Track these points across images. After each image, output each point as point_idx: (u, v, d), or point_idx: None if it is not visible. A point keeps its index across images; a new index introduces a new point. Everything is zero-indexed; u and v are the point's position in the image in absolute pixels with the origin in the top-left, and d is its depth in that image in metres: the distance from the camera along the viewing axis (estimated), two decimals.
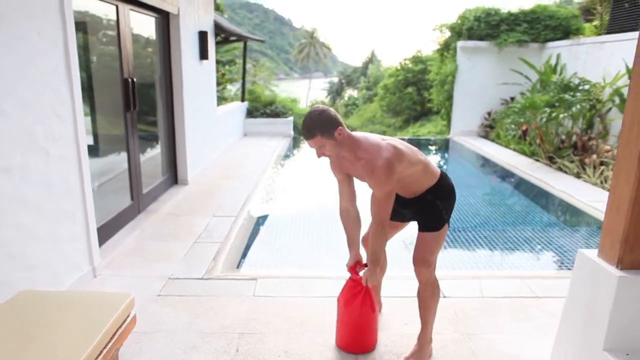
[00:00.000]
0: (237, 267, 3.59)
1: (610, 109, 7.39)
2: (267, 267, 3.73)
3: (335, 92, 33.23)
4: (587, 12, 10.39)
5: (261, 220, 4.86)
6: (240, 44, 10.80)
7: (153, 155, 5.17)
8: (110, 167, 4.14)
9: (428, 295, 2.31)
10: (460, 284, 3.14)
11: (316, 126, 1.97)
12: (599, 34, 8.94)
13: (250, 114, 10.39)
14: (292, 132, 10.36)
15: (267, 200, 5.66)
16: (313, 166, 7.95)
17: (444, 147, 10.35)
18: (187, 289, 3.01)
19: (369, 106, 24.49)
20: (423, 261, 2.25)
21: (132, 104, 4.13)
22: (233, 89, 13.14)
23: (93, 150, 3.69)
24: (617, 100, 7.16)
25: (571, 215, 5.36)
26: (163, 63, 5.21)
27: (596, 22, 9.67)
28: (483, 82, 10.25)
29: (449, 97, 10.76)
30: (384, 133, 20.03)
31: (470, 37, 10.17)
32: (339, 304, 2.40)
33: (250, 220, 4.65)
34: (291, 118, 10.45)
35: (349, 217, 2.35)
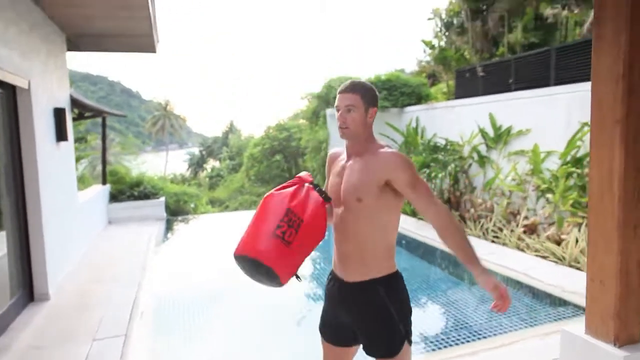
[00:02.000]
0: None
1: (470, 164, 8.20)
2: None
3: (197, 164, 32.21)
4: (433, 77, 11.80)
5: (161, 330, 3.97)
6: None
7: None
8: None
9: None
10: None
11: (362, 88, 1.77)
12: (449, 99, 10.14)
13: (115, 198, 9.17)
14: (164, 214, 9.38)
15: (159, 302, 4.72)
16: (202, 248, 7.16)
17: None
18: None
19: (235, 176, 24.08)
20: None
21: None
22: (80, 167, 11.65)
23: None
24: (475, 156, 8.01)
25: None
26: (10, 147, 4.19)
27: (444, 89, 11.01)
28: None
29: (324, 163, 10.97)
30: (254, 203, 19.72)
31: None
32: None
33: (148, 335, 3.75)
34: (162, 199, 9.50)
35: None
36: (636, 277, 1.83)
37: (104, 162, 9.45)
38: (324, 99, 11.02)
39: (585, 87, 5.95)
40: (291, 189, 1.73)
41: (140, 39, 6.67)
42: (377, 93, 1.84)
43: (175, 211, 10.21)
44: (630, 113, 1.74)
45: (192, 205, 11.02)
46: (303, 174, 1.82)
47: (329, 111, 10.65)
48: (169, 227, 8.81)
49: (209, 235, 8.49)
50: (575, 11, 6.71)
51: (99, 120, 9.26)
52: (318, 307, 4.78)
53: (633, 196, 1.78)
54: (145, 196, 9.38)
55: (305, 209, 1.69)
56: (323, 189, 1.78)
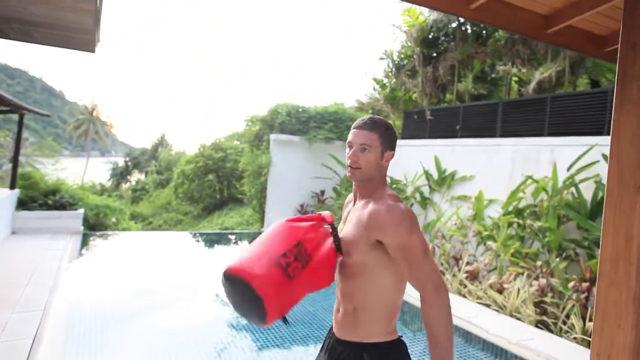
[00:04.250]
0: None
1: (412, 205, 8.25)
2: None
3: (120, 175, 30.17)
4: (377, 115, 11.95)
5: None
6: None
7: None
8: None
9: None
10: None
11: (382, 126, 1.58)
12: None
13: (24, 204, 8.10)
14: (81, 228, 8.43)
15: (67, 334, 4.03)
16: (123, 269, 6.40)
17: None
18: None
19: (161, 192, 22.79)
20: None
21: None
22: None
23: None
24: (418, 197, 8.09)
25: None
26: None
27: None
28: (296, 175, 10.49)
29: (263, 189, 10.62)
30: (180, 222, 18.70)
31: (282, 131, 10.43)
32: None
33: None
34: (81, 211, 8.56)
35: None
36: None
37: (15, 164, 8.37)
38: (269, 124, 10.74)
39: (529, 141, 6.21)
40: (309, 223, 1.50)
41: (79, 36, 6.01)
42: (396, 135, 1.63)
43: (94, 225, 9.25)
44: None
45: (114, 220, 10.07)
46: (326, 213, 1.57)
47: (273, 136, 10.37)
48: (85, 243, 7.90)
49: (131, 255, 7.71)
50: (523, 70, 7.10)
51: (12, 116, 8.24)
52: (241, 338, 4.40)
53: None
54: (62, 206, 8.40)
55: (318, 248, 1.45)
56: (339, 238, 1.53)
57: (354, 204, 1.64)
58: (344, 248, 1.52)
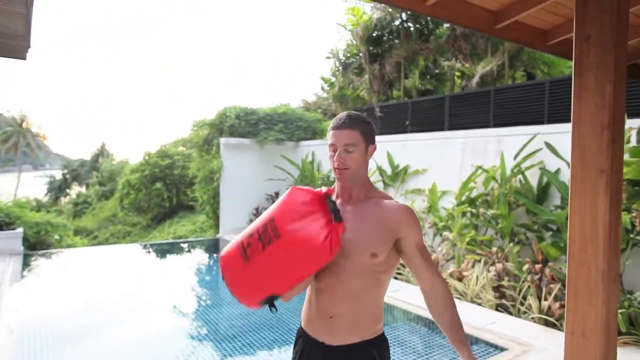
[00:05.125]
0: None
1: None
2: None
3: (59, 189, 28.45)
4: (332, 115, 12.01)
5: None
6: None
7: None
8: None
9: None
10: None
11: (362, 123, 1.54)
12: None
13: None
14: (21, 248, 7.87)
15: None
16: (70, 291, 6.00)
17: (214, 247, 9.70)
18: None
19: (105, 204, 21.75)
20: None
21: None
22: None
23: None
24: None
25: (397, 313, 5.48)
26: None
27: None
28: (249, 178, 10.33)
29: (216, 194, 10.38)
30: (128, 234, 17.91)
31: (232, 134, 10.24)
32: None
33: None
34: (20, 230, 7.98)
35: None
36: (614, 328, 1.81)
37: None
38: (218, 127, 10.50)
39: (476, 133, 6.47)
40: (308, 197, 1.43)
41: (7, 41, 5.59)
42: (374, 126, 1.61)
43: (35, 244, 8.66)
44: (614, 163, 1.74)
45: (57, 237, 9.47)
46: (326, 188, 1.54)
47: (223, 140, 10.15)
48: (27, 264, 7.37)
49: (79, 273, 7.28)
50: (467, 65, 7.39)
51: None
52: (203, 348, 4.28)
53: (615, 246, 1.76)
54: None
55: (296, 222, 1.35)
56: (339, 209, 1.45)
57: (345, 206, 1.56)
58: (368, 250, 1.47)
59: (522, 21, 2.99)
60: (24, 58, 6.38)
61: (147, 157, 16.87)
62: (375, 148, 1.58)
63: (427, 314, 4.72)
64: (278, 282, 1.41)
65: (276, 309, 1.45)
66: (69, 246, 9.60)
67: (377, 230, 1.49)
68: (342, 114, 1.57)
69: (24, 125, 38.09)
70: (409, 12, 8.79)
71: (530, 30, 3.11)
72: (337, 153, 1.52)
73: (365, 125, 1.56)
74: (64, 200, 27.35)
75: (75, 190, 28.19)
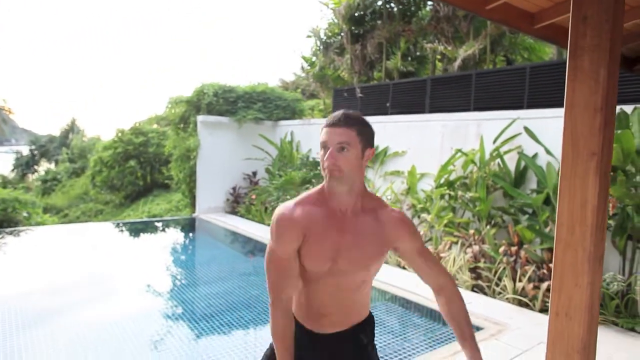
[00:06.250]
0: None
1: None
2: None
3: (26, 165, 27.46)
4: (311, 95, 11.91)
5: None
6: None
7: None
8: None
9: None
10: None
11: (358, 122, 1.43)
12: (325, 116, 10.28)
13: None
14: None
15: None
16: (41, 272, 5.81)
17: (190, 227, 9.57)
18: None
19: (76, 181, 21.13)
20: None
21: None
22: None
23: None
24: None
25: None
26: None
27: (321, 106, 11.15)
28: (226, 157, 10.17)
29: (192, 173, 10.18)
30: (100, 212, 17.47)
31: (209, 112, 10.01)
32: None
33: None
34: None
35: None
36: (597, 308, 1.84)
37: None
38: (195, 105, 10.25)
39: (457, 116, 6.49)
40: None
41: None
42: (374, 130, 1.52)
43: (2, 222, 8.36)
44: (604, 146, 1.75)
45: (25, 215, 9.15)
46: None
47: (200, 117, 9.92)
48: None
49: (49, 252, 7.07)
50: (449, 48, 7.37)
51: None
52: (178, 327, 4.24)
53: (602, 228, 1.78)
54: None
55: None
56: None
57: (343, 218, 1.46)
58: (367, 264, 1.49)
59: (511, 3, 2.96)
60: None
61: (120, 134, 16.40)
62: (373, 153, 1.48)
63: (404, 294, 4.81)
64: None
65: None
66: (38, 224, 9.30)
67: (375, 246, 1.48)
68: (339, 112, 1.46)
69: None
70: None
71: (517, 12, 3.08)
72: (328, 152, 1.38)
73: (364, 126, 1.45)
74: (31, 177, 26.43)
75: (43, 166, 27.26)
